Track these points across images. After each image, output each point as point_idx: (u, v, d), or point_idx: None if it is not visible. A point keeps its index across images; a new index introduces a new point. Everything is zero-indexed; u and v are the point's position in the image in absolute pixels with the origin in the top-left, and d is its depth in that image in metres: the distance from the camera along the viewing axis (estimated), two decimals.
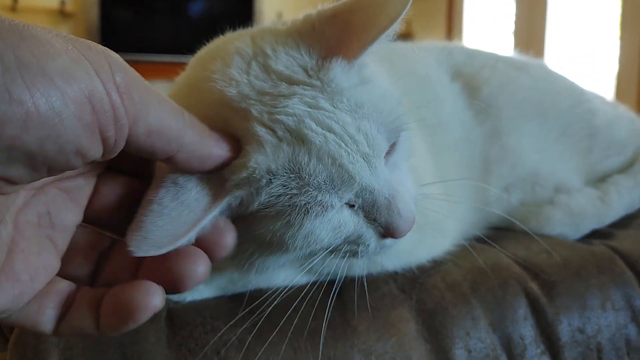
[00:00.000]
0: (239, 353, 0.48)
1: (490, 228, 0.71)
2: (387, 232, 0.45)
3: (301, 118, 0.41)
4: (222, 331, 0.49)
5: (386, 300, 0.54)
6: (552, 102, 0.75)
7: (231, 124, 0.41)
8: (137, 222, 0.37)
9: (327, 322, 0.50)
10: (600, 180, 0.77)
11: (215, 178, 0.40)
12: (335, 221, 0.44)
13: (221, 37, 0.51)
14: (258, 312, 0.50)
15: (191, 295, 0.53)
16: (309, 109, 0.41)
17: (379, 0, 0.41)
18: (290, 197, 0.41)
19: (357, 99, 0.43)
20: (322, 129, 0.41)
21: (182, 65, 0.54)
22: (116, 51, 0.33)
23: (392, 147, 0.46)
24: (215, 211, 0.39)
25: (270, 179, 0.41)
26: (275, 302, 0.49)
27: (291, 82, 0.42)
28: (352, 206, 0.45)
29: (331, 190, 0.42)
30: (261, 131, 0.41)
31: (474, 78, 0.75)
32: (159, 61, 4.14)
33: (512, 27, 3.74)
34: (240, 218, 0.42)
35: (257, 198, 0.41)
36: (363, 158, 0.42)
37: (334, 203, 0.42)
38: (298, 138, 0.41)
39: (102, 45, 0.33)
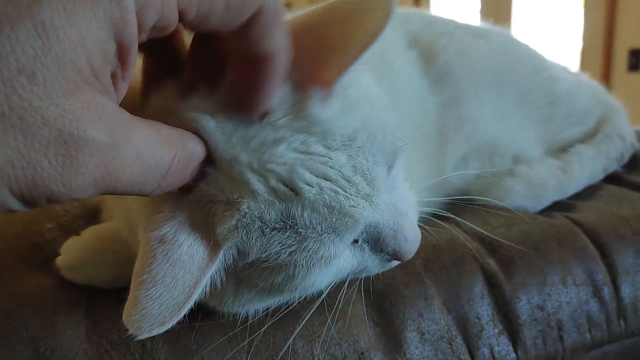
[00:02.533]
0: (167, 344, 0.43)
1: (447, 202, 0.67)
2: (395, 257, 0.43)
3: (293, 168, 0.35)
4: None
5: None
6: (511, 70, 0.71)
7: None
8: (131, 299, 0.32)
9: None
10: (562, 150, 0.74)
11: (206, 227, 0.35)
12: (338, 265, 0.41)
13: None
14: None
15: (118, 281, 0.47)
16: (300, 156, 0.36)
17: (358, 13, 0.34)
18: (289, 254, 0.37)
19: (348, 130, 0.37)
20: (316, 177, 0.36)
21: None
22: None
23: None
24: (214, 267, 0.35)
25: (263, 228, 0.36)
26: None
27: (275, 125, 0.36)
28: (355, 241, 0.41)
29: (334, 239, 0.38)
30: (253, 179, 0.35)
31: (431, 46, 0.70)
32: None
33: (479, 5, 3.73)
34: (240, 269, 0.38)
35: (253, 247, 0.37)
36: (364, 199, 0.38)
37: (337, 251, 0.39)
38: (291, 189, 0.36)
39: None
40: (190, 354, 0.43)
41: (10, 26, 0.23)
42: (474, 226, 0.60)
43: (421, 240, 0.56)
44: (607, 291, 0.58)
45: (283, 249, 0.37)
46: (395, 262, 0.45)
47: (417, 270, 0.53)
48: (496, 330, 0.53)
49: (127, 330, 0.42)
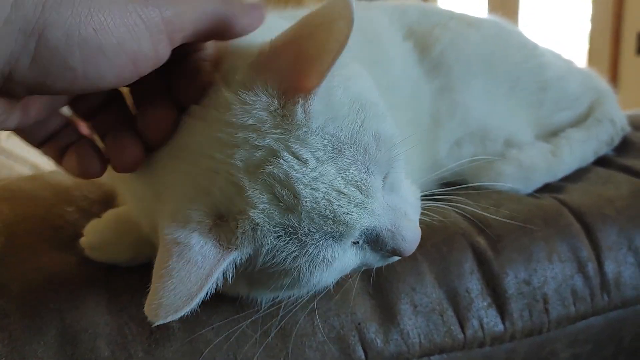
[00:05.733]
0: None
1: (441, 185, 0.71)
2: (394, 254, 0.46)
3: (289, 180, 0.39)
4: None
5: None
6: (502, 57, 0.75)
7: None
8: (152, 290, 0.38)
9: None
10: (553, 134, 0.77)
11: (216, 235, 0.40)
12: (341, 265, 0.44)
13: None
14: None
15: (140, 259, 0.52)
16: (293, 170, 0.40)
17: (324, 25, 0.38)
18: (293, 259, 0.41)
19: (335, 141, 0.40)
20: (310, 189, 0.40)
21: None
22: None
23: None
24: (224, 265, 0.39)
25: (268, 237, 0.40)
26: None
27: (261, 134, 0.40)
28: (355, 242, 0.44)
29: (332, 244, 0.41)
30: (252, 193, 0.40)
31: (425, 37, 0.74)
32: None
33: None
34: (250, 272, 0.43)
35: (260, 254, 0.41)
36: (358, 207, 0.41)
37: (337, 254, 0.42)
38: (288, 201, 0.40)
39: None
40: (201, 323, 0.48)
41: None
42: (464, 206, 0.64)
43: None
44: (591, 267, 0.61)
45: (287, 254, 0.41)
46: (397, 258, 0.48)
47: None
48: (485, 303, 0.57)
49: (144, 303, 0.46)
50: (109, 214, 0.55)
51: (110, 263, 0.51)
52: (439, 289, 0.56)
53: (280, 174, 0.39)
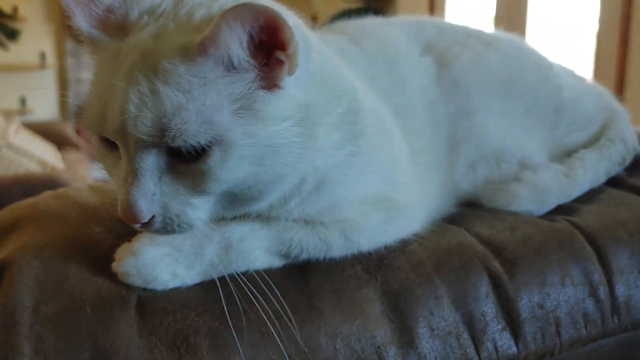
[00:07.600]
0: (208, 339, 0.49)
1: (457, 205, 0.72)
2: None
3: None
4: (191, 318, 0.50)
5: (351, 282, 0.56)
6: (519, 78, 0.76)
7: None
8: None
9: (292, 306, 0.52)
10: (566, 155, 0.79)
11: None
12: None
13: None
14: (226, 298, 0.51)
15: (174, 282, 0.53)
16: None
17: None
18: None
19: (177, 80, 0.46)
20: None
21: None
22: None
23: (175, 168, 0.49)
24: None
25: None
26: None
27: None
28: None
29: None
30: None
31: (444, 54, 0.75)
32: None
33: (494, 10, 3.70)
34: None
35: None
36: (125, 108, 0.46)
37: None
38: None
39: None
40: (229, 347, 0.49)
41: None
42: (481, 230, 0.65)
43: (432, 244, 0.62)
44: (602, 290, 0.63)
45: None
46: None
47: (428, 272, 0.58)
48: (499, 327, 0.59)
49: (173, 327, 0.48)
50: (140, 238, 0.56)
51: (144, 287, 0.52)
52: (455, 312, 0.57)
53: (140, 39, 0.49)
